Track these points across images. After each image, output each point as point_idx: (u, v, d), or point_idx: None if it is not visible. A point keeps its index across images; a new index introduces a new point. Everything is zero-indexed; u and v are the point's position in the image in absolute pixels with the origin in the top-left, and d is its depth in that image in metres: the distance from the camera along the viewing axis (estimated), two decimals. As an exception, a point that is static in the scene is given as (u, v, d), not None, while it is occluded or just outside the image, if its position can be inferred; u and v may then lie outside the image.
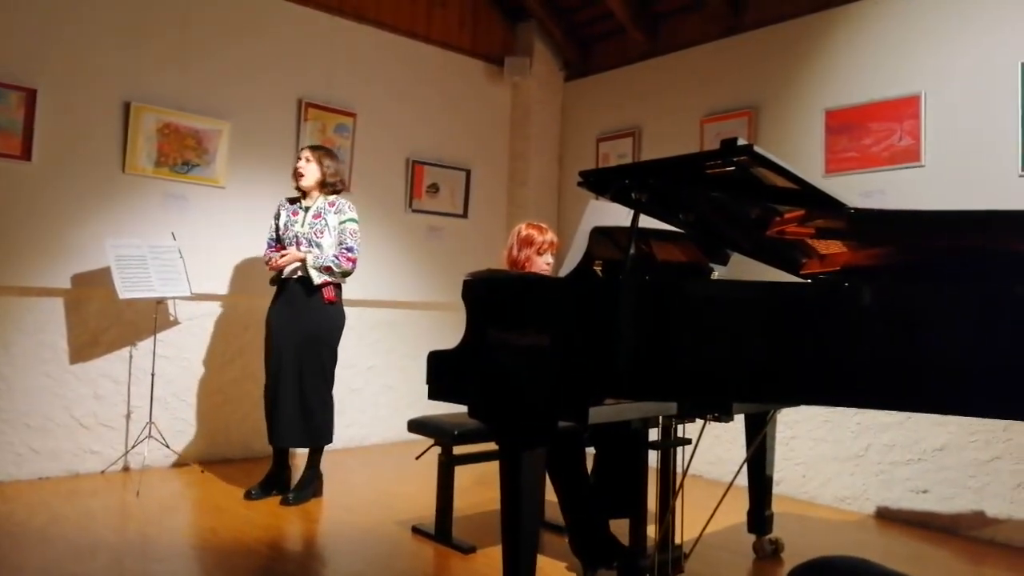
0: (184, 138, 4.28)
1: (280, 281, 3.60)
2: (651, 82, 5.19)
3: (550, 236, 2.96)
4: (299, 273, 3.53)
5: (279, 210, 3.71)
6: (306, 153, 3.64)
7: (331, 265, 3.50)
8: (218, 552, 2.83)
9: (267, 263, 3.64)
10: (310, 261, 3.49)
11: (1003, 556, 3.20)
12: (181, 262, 3.99)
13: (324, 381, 3.57)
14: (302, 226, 3.57)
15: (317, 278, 3.48)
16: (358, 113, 4.99)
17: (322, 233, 3.55)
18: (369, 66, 5.09)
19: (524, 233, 2.95)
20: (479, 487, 3.83)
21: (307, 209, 3.62)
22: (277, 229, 3.68)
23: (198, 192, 4.35)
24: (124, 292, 3.74)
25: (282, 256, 3.54)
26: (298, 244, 3.55)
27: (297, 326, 3.51)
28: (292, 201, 3.70)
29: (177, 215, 4.26)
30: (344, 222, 3.59)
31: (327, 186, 3.63)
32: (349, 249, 3.55)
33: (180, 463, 4.19)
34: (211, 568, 2.68)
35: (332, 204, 3.62)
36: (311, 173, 3.59)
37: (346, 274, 3.59)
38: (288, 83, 4.71)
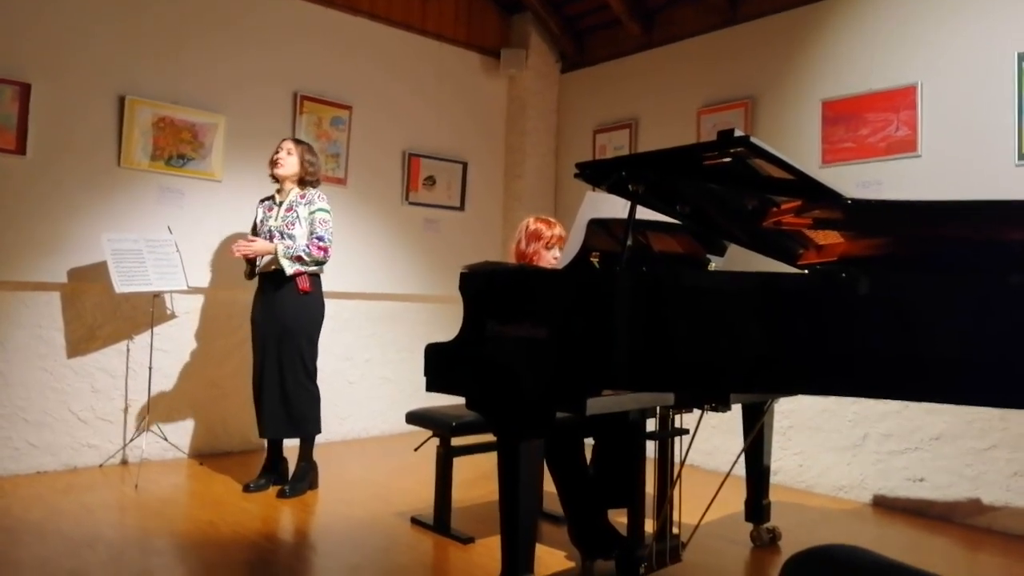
0: (179, 132, 4.26)
1: (258, 275, 3.64)
2: (647, 73, 5.18)
3: (558, 231, 2.98)
4: (273, 266, 3.55)
5: (256, 211, 3.76)
6: (288, 145, 3.65)
7: (302, 254, 3.52)
8: (217, 545, 2.84)
9: (238, 254, 3.58)
10: (281, 251, 3.51)
11: (999, 543, 3.22)
12: (178, 256, 3.99)
13: (305, 371, 3.58)
14: (276, 220, 3.60)
15: (289, 268, 3.50)
16: (354, 106, 4.98)
17: (293, 225, 3.57)
18: (364, 59, 5.07)
19: (532, 227, 2.98)
20: (478, 479, 3.84)
21: (280, 204, 3.65)
22: (255, 228, 3.73)
23: (194, 186, 4.34)
24: (121, 286, 3.73)
25: (249, 242, 3.56)
26: (271, 238, 3.58)
27: (274, 318, 3.54)
28: (266, 199, 3.75)
29: (173, 209, 4.26)
30: (314, 212, 3.60)
31: (304, 182, 3.66)
32: (320, 238, 3.56)
33: (178, 456, 4.20)
34: (210, 561, 2.68)
35: (303, 196, 3.64)
36: (290, 165, 3.62)
37: (318, 263, 3.60)
38: (283, 76, 4.69)
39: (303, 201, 3.62)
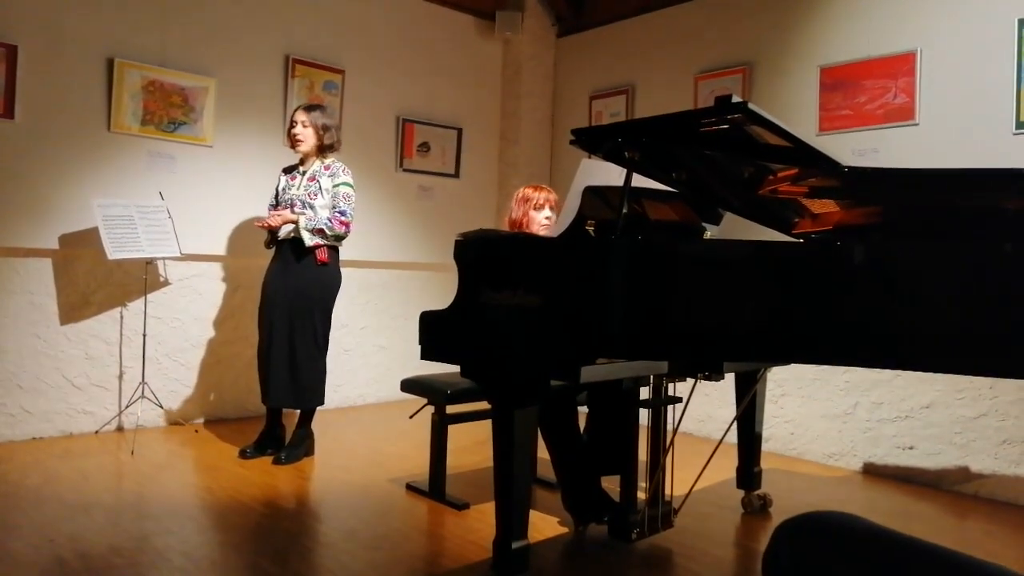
0: (170, 95, 4.20)
1: (276, 243, 3.61)
2: (645, 38, 5.11)
3: (546, 193, 2.96)
4: (293, 234, 3.53)
5: (279, 179, 3.73)
6: (301, 117, 3.60)
7: (324, 228, 3.50)
8: (214, 510, 2.86)
9: (259, 224, 3.65)
10: (303, 223, 3.49)
11: (987, 510, 3.27)
12: (170, 222, 3.96)
13: (315, 343, 3.57)
14: (298, 189, 3.58)
15: (309, 240, 3.48)
16: (346, 69, 4.91)
17: (316, 195, 3.55)
18: (357, 21, 4.99)
19: (521, 193, 2.99)
20: (472, 445, 3.87)
21: (304, 173, 3.62)
22: (276, 195, 3.70)
23: (185, 151, 4.29)
24: (113, 253, 3.71)
25: (272, 215, 3.57)
26: (292, 207, 3.56)
27: (289, 287, 3.53)
28: (289, 169, 3.72)
29: (165, 174, 4.21)
30: (338, 185, 3.58)
31: (323, 148, 3.62)
32: (342, 213, 3.54)
33: (174, 423, 4.22)
34: (207, 526, 2.71)
35: (327, 168, 3.61)
36: (308, 138, 3.59)
37: (339, 237, 3.58)
38: (274, 38, 4.61)
39: (327, 173, 3.59)
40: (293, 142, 3.60)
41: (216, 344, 4.44)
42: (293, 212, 3.53)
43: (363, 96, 5.01)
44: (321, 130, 3.59)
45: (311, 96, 4.69)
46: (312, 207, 3.53)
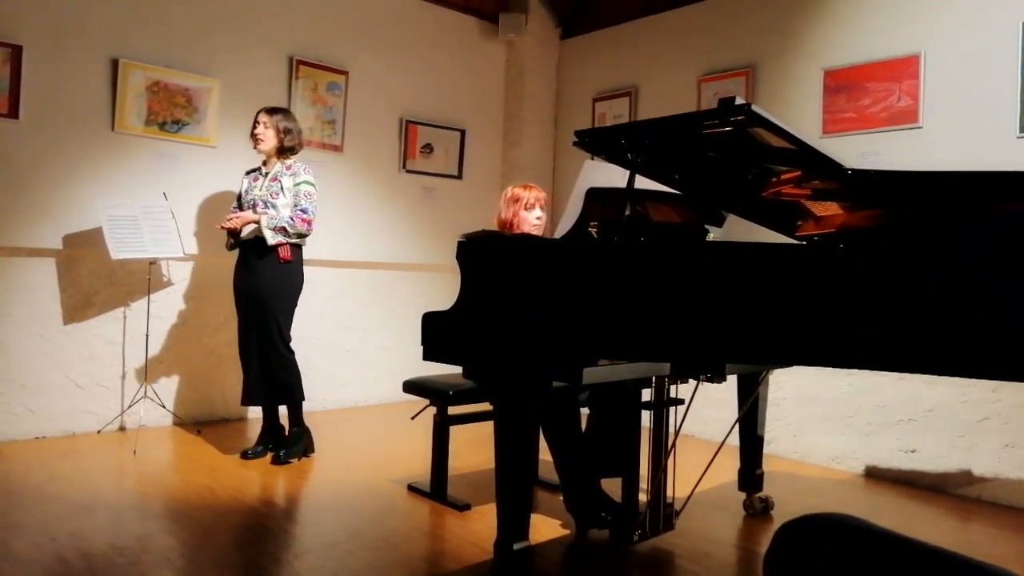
0: (174, 96, 4.21)
1: (239, 244, 3.64)
2: (648, 40, 5.11)
3: (536, 192, 2.96)
4: (256, 234, 3.56)
5: (242, 181, 3.76)
6: (263, 118, 3.63)
7: (285, 226, 3.54)
8: (215, 510, 2.87)
9: (219, 227, 3.67)
10: (264, 222, 3.52)
11: (990, 513, 3.26)
12: (173, 222, 3.96)
13: (281, 339, 3.60)
14: (260, 190, 3.62)
15: (271, 238, 3.51)
16: (350, 71, 4.92)
17: (277, 195, 3.58)
18: (360, 23, 5.00)
19: (511, 193, 2.98)
20: (474, 446, 3.87)
21: (266, 175, 3.66)
22: (239, 197, 3.73)
23: (189, 151, 4.30)
24: (117, 252, 3.72)
25: (231, 217, 3.60)
26: (255, 207, 3.59)
27: (254, 286, 3.57)
28: (251, 171, 3.75)
29: (168, 175, 4.22)
30: (299, 184, 3.61)
31: (284, 150, 3.65)
32: (304, 211, 3.58)
33: (176, 423, 4.22)
34: (208, 525, 2.71)
35: (288, 168, 3.64)
36: (268, 139, 3.62)
37: (301, 235, 3.62)
38: (278, 40, 4.62)
39: (288, 172, 3.63)
40: (255, 142, 3.64)
41: (218, 345, 4.44)
42: (256, 212, 3.56)
43: (367, 97, 5.02)
44: (282, 133, 3.62)
45: (315, 98, 4.70)
46: (274, 206, 3.57)
